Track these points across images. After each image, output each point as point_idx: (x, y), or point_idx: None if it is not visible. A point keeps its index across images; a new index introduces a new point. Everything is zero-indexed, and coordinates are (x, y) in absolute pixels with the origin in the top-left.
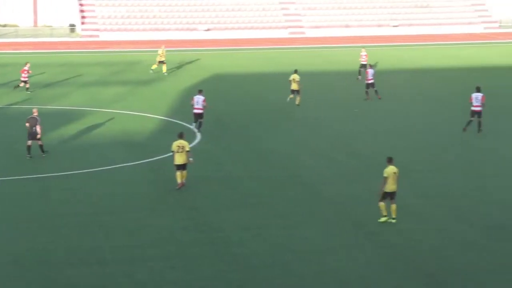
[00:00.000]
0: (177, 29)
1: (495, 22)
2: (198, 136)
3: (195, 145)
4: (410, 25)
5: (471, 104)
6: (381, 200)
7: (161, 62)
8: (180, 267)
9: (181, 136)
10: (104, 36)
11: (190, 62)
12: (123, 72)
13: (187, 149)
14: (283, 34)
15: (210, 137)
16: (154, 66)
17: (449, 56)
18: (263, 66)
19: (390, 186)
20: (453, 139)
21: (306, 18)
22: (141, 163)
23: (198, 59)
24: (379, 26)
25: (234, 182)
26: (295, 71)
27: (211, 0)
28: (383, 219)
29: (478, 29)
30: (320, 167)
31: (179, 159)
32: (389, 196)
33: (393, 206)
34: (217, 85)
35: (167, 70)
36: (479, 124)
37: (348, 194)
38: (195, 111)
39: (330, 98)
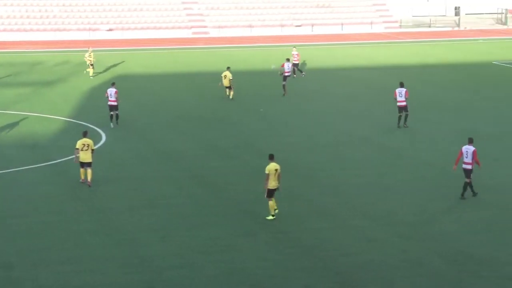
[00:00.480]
0: (78, 29)
1: (396, 22)
2: (103, 137)
3: (100, 146)
4: (313, 25)
5: (395, 100)
6: (268, 198)
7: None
8: (87, 270)
9: (85, 135)
10: (3, 36)
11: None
12: (24, 73)
13: (92, 147)
14: (187, 34)
15: (115, 138)
16: (89, 70)
17: (352, 56)
18: (166, 66)
19: (271, 183)
20: (359, 137)
21: (210, 18)
22: (45, 165)
23: (100, 60)
24: (282, 26)
25: (140, 183)
26: (228, 68)
27: (113, 0)
28: (270, 217)
29: (379, 29)
30: (226, 167)
31: (84, 157)
32: (273, 193)
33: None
34: (120, 86)
35: (79, 71)
36: (406, 118)
37: (255, 194)
38: (110, 103)
39: (236, 98)
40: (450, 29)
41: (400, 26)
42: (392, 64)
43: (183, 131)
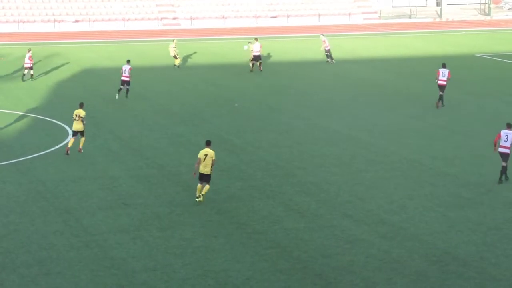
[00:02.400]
0: (42, 21)
1: (375, 13)
2: (70, 134)
3: (67, 144)
4: (289, 16)
5: (436, 80)
6: (199, 181)
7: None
8: (55, 273)
9: (81, 106)
10: None
11: (58, 56)
12: None
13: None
14: (157, 25)
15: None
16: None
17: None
18: (135, 59)
19: (202, 168)
20: (338, 133)
21: (181, 9)
22: (8, 163)
23: (66, 53)
24: (257, 17)
25: (110, 182)
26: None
27: None
28: (197, 199)
29: (358, 20)
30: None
31: (76, 126)
32: (204, 178)
33: (206, 187)
34: (87, 80)
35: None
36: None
37: (229, 193)
38: (123, 78)
39: (209, 92)
40: (431, 20)
41: (380, 17)
42: (371, 56)
43: (155, 127)
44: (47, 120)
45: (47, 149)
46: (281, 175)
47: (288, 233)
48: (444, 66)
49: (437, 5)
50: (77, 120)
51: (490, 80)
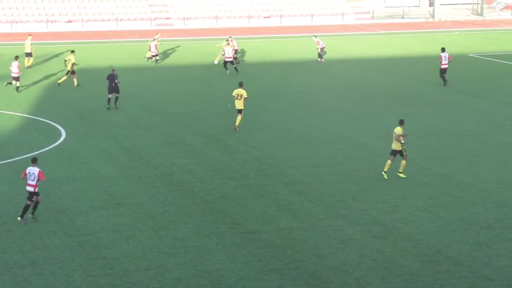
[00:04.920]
0: (35, 21)
1: (368, 13)
2: (63, 134)
3: (60, 144)
4: (282, 16)
5: (440, 64)
6: None
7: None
8: (48, 273)
9: (241, 85)
10: None
11: (51, 56)
12: None
13: (245, 96)
14: (150, 25)
15: (76, 135)
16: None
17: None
18: (128, 59)
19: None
20: (332, 133)
21: (174, 9)
22: (1, 163)
23: (59, 53)
24: (250, 17)
25: (103, 182)
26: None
27: None
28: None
29: (351, 20)
30: (193, 164)
31: (238, 105)
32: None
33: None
34: (80, 80)
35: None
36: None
37: (222, 192)
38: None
39: (202, 92)
40: (424, 20)
41: (373, 18)
42: (364, 56)
43: (148, 127)
44: (41, 120)
45: (40, 149)
46: (274, 175)
47: (281, 233)
48: (443, 50)
49: (430, 5)
50: (239, 99)
51: (483, 80)
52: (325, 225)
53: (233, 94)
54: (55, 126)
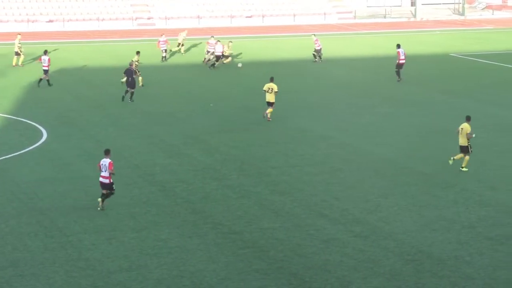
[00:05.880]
0: (16, 21)
1: (350, 12)
2: (44, 134)
3: (41, 145)
4: (264, 16)
5: (398, 59)
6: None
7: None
8: (29, 274)
9: (272, 80)
10: None
11: (32, 56)
12: None
13: (275, 90)
14: (131, 25)
15: (57, 135)
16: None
17: (304, 47)
18: (110, 59)
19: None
20: (313, 132)
21: (155, 9)
22: None
23: (39, 53)
24: (232, 17)
25: (84, 183)
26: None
27: None
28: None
29: (333, 19)
30: (175, 164)
31: (269, 98)
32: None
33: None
34: (61, 80)
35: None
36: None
37: (204, 193)
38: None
39: (184, 92)
40: (406, 20)
41: (355, 17)
42: (346, 56)
43: (130, 127)
44: (21, 120)
45: (21, 150)
46: (256, 175)
47: (263, 233)
48: (399, 46)
49: (412, 5)
50: (270, 93)
51: (465, 79)
52: (308, 225)
53: (264, 88)
54: (36, 127)
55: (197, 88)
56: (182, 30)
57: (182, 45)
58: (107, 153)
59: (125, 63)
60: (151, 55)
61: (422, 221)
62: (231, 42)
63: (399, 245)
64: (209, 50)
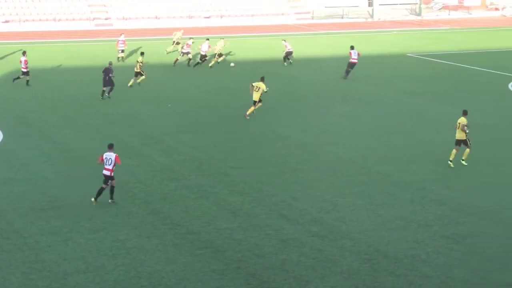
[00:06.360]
0: None
1: (308, 13)
2: (1, 135)
3: None
4: (222, 16)
5: (350, 59)
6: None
7: None
8: None
9: (262, 79)
10: None
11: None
12: None
13: (264, 89)
14: (89, 26)
15: (15, 136)
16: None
17: (262, 48)
18: (68, 59)
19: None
20: (272, 134)
21: (113, 9)
22: None
23: None
24: (190, 17)
25: (42, 184)
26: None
27: None
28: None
29: (291, 20)
30: (134, 165)
31: (255, 96)
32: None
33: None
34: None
35: None
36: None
37: (163, 193)
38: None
39: (143, 93)
40: (363, 20)
41: (313, 18)
42: (305, 56)
43: (88, 128)
44: None
45: None
46: (215, 175)
47: (221, 233)
48: (352, 48)
49: (369, 6)
50: (256, 91)
51: (422, 79)
52: (266, 225)
53: (254, 84)
54: None
55: (157, 88)
56: (178, 29)
57: (178, 43)
58: (110, 147)
59: (84, 63)
60: (110, 56)
61: (379, 220)
62: (223, 39)
63: (356, 244)
64: (183, 51)
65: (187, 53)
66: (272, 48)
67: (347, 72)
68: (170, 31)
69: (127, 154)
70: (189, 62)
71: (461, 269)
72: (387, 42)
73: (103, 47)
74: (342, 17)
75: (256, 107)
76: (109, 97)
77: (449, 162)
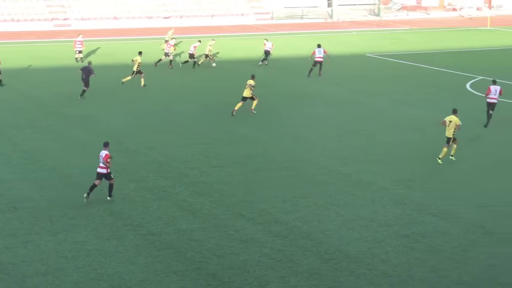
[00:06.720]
0: None
1: (267, 13)
2: None
3: None
4: (182, 16)
5: (313, 56)
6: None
7: None
8: None
9: (252, 77)
10: None
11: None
12: None
13: (252, 84)
14: (47, 26)
15: None
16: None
17: (222, 48)
18: (26, 60)
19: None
20: (234, 133)
21: (72, 10)
22: None
23: None
24: (149, 18)
25: (1, 186)
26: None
27: None
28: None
29: (251, 20)
30: (92, 166)
31: (245, 93)
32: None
33: (454, 146)
34: None
35: None
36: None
37: (123, 194)
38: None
39: (102, 93)
40: (323, 20)
41: (272, 18)
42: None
43: (46, 129)
44: None
45: None
46: (175, 176)
47: (181, 234)
48: (319, 46)
49: (328, 6)
50: (247, 88)
51: (381, 79)
52: (226, 226)
53: (247, 83)
54: None
55: (116, 89)
56: (170, 28)
57: (167, 41)
58: (106, 145)
59: (44, 63)
60: (69, 56)
61: (339, 220)
62: (213, 40)
63: (316, 244)
64: (166, 52)
65: (167, 54)
66: (235, 49)
67: (310, 71)
68: (128, 32)
69: (86, 155)
70: (170, 62)
71: (420, 268)
72: (346, 42)
73: (62, 47)
74: (302, 18)
75: (253, 105)
76: (82, 98)
77: (438, 159)
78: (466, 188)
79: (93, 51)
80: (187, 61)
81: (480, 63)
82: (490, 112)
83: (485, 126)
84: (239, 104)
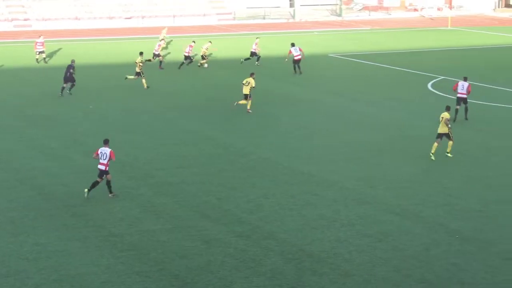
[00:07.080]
0: None
1: (229, 13)
2: None
3: None
4: (143, 17)
5: (293, 56)
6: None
7: None
8: None
9: (251, 75)
10: None
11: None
12: None
13: (252, 85)
14: (8, 27)
15: None
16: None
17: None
18: None
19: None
20: (196, 134)
21: (32, 10)
22: None
23: None
24: (111, 18)
25: None
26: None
27: None
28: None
29: (213, 20)
30: (55, 168)
31: (245, 90)
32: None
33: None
34: None
35: None
36: (299, 68)
37: (86, 196)
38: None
39: (64, 94)
40: (285, 21)
41: (234, 18)
42: (225, 57)
43: (8, 130)
44: None
45: None
46: (139, 177)
47: (144, 235)
48: (293, 45)
49: (290, 6)
50: (246, 86)
51: (343, 79)
52: (189, 226)
53: (243, 82)
54: None
55: (77, 90)
56: (163, 27)
57: (162, 39)
58: (106, 142)
59: (4, 64)
60: (30, 57)
61: (302, 220)
62: (210, 42)
63: (280, 244)
64: (155, 52)
65: (158, 55)
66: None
67: (294, 68)
68: (89, 32)
69: (48, 157)
70: (160, 64)
71: (383, 267)
72: (309, 42)
73: (23, 48)
74: (264, 18)
75: (248, 102)
76: (70, 94)
77: (430, 154)
78: (428, 187)
79: (54, 52)
80: (183, 63)
81: (441, 63)
82: (463, 105)
83: (466, 119)
84: (243, 102)
